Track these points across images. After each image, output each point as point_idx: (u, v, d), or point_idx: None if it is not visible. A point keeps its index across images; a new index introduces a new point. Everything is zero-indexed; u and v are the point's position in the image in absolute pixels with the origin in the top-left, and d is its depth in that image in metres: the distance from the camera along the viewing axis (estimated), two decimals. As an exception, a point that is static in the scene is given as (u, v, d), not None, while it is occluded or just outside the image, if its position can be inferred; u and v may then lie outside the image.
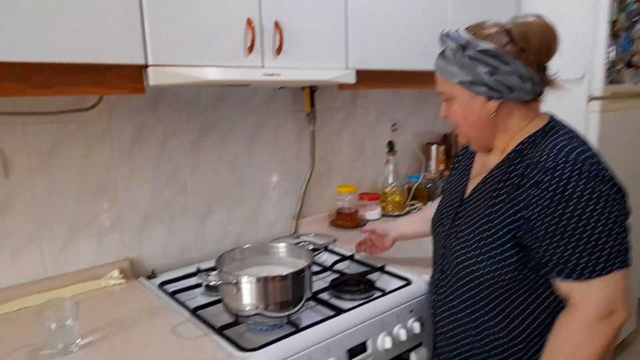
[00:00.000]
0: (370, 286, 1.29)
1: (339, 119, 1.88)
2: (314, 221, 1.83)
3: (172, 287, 1.30)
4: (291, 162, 1.74)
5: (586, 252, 0.82)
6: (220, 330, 1.04)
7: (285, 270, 1.11)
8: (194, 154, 1.47)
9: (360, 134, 1.97)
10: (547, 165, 0.84)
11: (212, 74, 1.06)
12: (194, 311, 1.13)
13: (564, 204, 0.82)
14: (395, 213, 1.97)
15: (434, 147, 2.21)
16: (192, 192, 1.49)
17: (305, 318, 1.13)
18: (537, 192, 0.84)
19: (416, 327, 1.24)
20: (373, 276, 1.37)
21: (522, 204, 0.87)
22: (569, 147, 0.85)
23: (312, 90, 1.71)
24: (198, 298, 1.26)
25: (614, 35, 1.98)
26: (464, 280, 0.98)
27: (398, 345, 1.21)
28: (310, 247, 1.45)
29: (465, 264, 0.96)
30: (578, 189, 0.81)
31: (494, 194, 0.94)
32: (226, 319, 1.10)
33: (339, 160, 1.91)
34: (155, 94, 1.37)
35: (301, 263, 1.17)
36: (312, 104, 1.72)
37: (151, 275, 1.37)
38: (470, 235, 0.96)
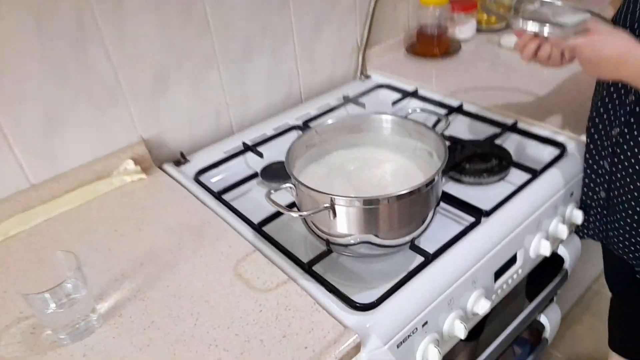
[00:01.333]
0: (508, 161, 0.86)
1: None
2: (385, 50, 1.31)
3: (214, 180, 0.91)
4: (353, -38, 1.14)
5: None
6: (308, 267, 0.67)
7: (390, 160, 0.70)
8: (210, -36, 0.91)
9: None
10: None
11: None
12: (259, 227, 0.75)
13: None
14: (496, 26, 1.40)
15: None
16: (219, 30, 0.96)
17: (427, 231, 0.74)
18: None
19: (578, 216, 0.86)
20: (501, 140, 0.94)
21: None
22: None
23: None
24: (255, 194, 0.88)
25: None
26: None
27: (552, 245, 0.84)
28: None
29: None
30: None
31: None
32: (307, 237, 0.73)
33: (417, -49, 1.28)
34: None
35: (414, 146, 0.73)
36: None
37: (180, 161, 0.96)
38: None
